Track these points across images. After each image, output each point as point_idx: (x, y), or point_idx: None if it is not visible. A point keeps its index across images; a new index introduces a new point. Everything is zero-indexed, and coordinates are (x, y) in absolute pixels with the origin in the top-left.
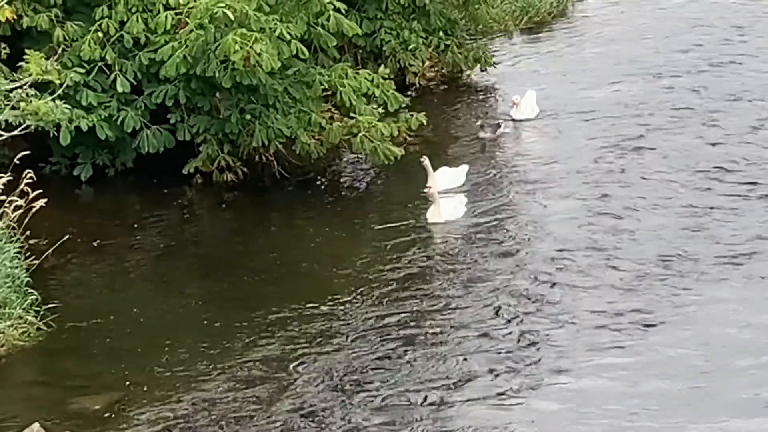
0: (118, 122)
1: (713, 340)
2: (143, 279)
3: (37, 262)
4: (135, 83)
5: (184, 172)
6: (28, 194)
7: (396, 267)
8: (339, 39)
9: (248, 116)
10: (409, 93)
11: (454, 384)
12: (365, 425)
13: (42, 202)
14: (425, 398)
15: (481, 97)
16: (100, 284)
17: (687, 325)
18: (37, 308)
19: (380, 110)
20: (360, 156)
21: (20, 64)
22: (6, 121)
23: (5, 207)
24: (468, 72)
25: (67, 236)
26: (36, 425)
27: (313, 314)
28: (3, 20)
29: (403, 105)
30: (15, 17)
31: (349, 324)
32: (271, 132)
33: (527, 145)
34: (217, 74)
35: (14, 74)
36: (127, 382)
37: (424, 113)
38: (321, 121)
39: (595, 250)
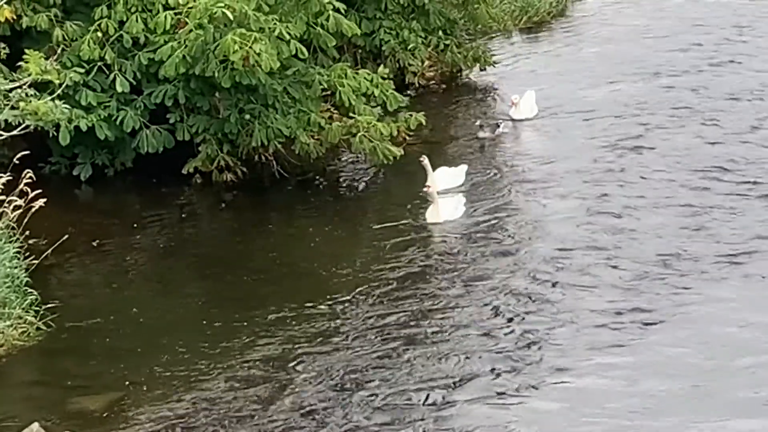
0: (118, 122)
1: (713, 340)
2: (143, 279)
3: (36, 261)
4: (134, 83)
5: (184, 172)
6: (27, 194)
7: (395, 266)
8: (338, 39)
9: (247, 116)
10: (408, 93)
11: (454, 383)
12: (365, 424)
13: (41, 202)
14: (425, 398)
15: (480, 96)
16: (99, 284)
17: (687, 324)
18: (37, 308)
19: (379, 110)
20: (359, 156)
21: (20, 64)
22: (5, 120)
23: (5, 207)
24: (467, 72)
25: (66, 236)
26: (35, 425)
27: (312, 314)
28: (2, 20)
29: (403, 105)
30: (14, 17)
31: (348, 323)
32: (271, 132)
33: (526, 144)
34: (216, 74)
35: (14, 74)
36: (127, 382)
37: (423, 113)
38: (320, 121)
39: (595, 250)
